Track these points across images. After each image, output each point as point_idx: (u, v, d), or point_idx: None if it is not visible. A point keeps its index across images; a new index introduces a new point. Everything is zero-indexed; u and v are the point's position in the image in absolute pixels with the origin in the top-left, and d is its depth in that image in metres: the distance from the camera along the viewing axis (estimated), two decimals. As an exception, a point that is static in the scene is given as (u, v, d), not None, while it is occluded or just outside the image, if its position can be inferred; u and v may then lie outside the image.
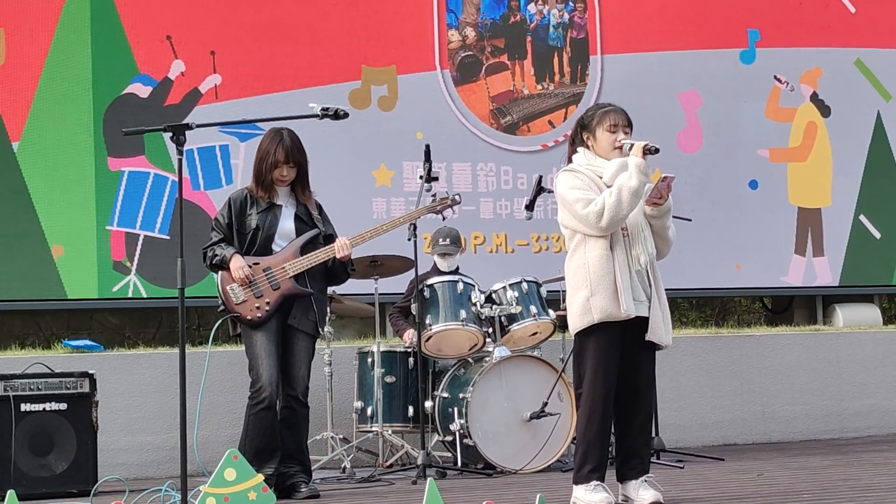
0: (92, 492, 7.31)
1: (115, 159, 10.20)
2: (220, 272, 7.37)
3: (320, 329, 7.46)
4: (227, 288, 7.31)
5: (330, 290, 8.78)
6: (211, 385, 8.98)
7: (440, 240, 9.28)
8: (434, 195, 8.20)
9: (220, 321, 7.38)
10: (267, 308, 7.28)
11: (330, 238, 7.48)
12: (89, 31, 10.21)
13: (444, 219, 8.36)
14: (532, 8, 11.51)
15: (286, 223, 7.42)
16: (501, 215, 11.22)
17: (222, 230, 7.42)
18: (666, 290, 6.27)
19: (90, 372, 8.07)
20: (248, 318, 7.29)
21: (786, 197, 12.01)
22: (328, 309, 8.84)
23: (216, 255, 7.35)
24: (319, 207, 7.59)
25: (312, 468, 7.62)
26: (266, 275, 7.30)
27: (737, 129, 11.94)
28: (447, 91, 11.17)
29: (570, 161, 6.29)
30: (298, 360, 7.37)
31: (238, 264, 7.28)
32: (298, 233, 7.42)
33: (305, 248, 7.39)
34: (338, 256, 7.38)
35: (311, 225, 7.46)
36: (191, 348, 9.36)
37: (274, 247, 7.40)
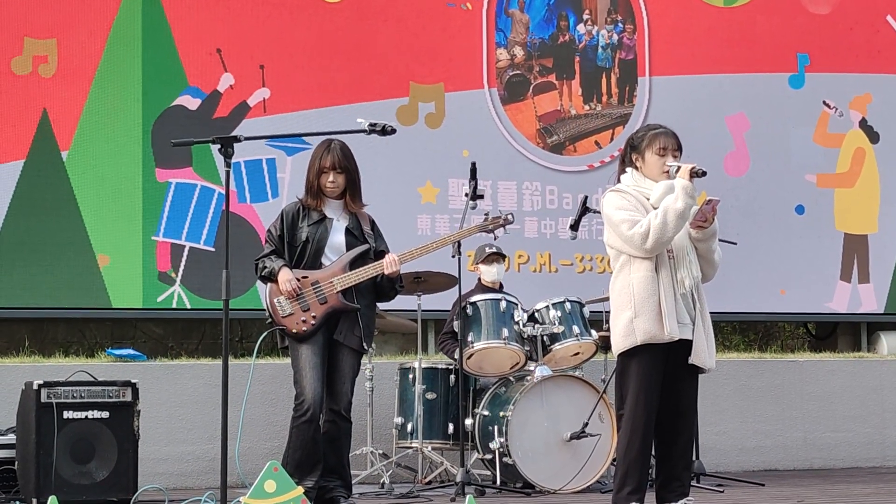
0: (132, 501, 7.35)
1: (162, 170, 10.27)
2: (268, 284, 7.38)
3: (366, 345, 7.45)
4: (275, 300, 7.32)
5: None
6: (252, 397, 9.00)
7: (486, 248, 9.29)
8: (486, 214, 8.19)
9: (265, 333, 7.40)
10: (313, 322, 7.28)
11: (382, 254, 7.47)
12: (140, 43, 10.28)
13: (495, 238, 8.34)
14: (581, 28, 11.51)
15: (336, 237, 7.42)
16: (546, 235, 11.22)
17: (274, 242, 7.42)
18: (710, 313, 6.24)
19: (133, 381, 8.11)
20: (294, 331, 7.29)
21: (832, 223, 11.95)
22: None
23: (265, 268, 7.35)
24: (372, 222, 7.58)
25: (352, 483, 7.61)
26: (314, 289, 7.31)
27: (784, 153, 11.90)
28: (494, 109, 11.18)
29: (619, 180, 6.28)
30: (343, 375, 7.37)
31: (286, 277, 7.28)
32: (349, 247, 7.42)
33: (355, 263, 7.39)
34: (386, 273, 7.38)
35: (362, 239, 7.47)
36: (233, 360, 9.39)
37: (324, 260, 7.40)
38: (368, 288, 7.45)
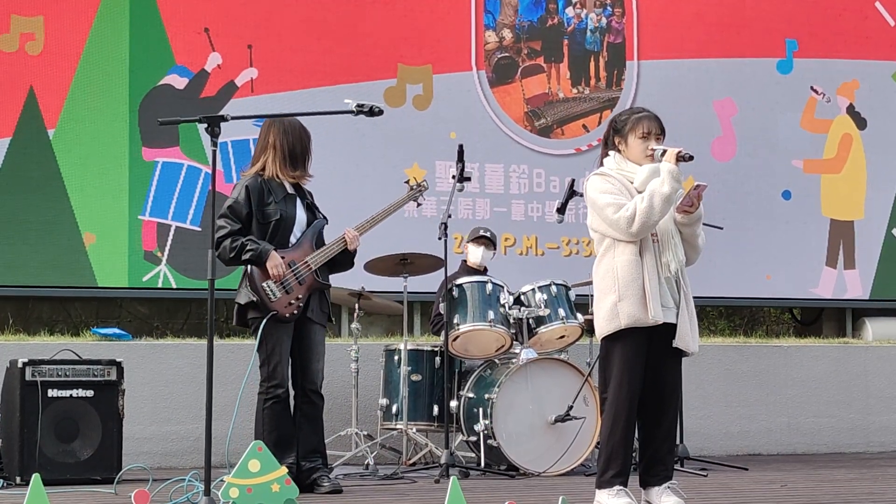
0: (116, 479, 7.34)
1: (149, 149, 10.25)
2: (251, 267, 7.19)
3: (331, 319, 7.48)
4: (264, 285, 7.17)
5: (359, 286, 8.83)
6: (236, 378, 8.98)
7: (481, 230, 9.32)
8: (407, 181, 8.14)
9: (266, 318, 7.16)
10: (299, 304, 7.21)
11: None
12: (128, 22, 10.26)
13: (418, 205, 8.34)
14: (570, 11, 11.50)
15: (300, 213, 7.37)
16: (533, 218, 11.22)
17: (240, 219, 7.20)
18: (695, 297, 6.24)
19: (118, 360, 8.10)
20: (287, 315, 7.19)
21: (818, 208, 11.97)
22: (356, 305, 8.90)
23: (249, 250, 7.13)
24: (310, 194, 7.56)
25: (336, 464, 7.61)
26: (292, 270, 7.26)
27: (771, 138, 11.91)
28: (482, 92, 11.17)
29: (601, 163, 6.27)
30: (317, 353, 7.33)
31: (276, 261, 7.14)
32: (308, 223, 7.40)
33: (318, 240, 7.39)
34: (350, 248, 7.38)
35: (316, 214, 7.47)
36: (219, 340, 9.39)
37: (291, 238, 7.33)
38: (325, 262, 7.42)
